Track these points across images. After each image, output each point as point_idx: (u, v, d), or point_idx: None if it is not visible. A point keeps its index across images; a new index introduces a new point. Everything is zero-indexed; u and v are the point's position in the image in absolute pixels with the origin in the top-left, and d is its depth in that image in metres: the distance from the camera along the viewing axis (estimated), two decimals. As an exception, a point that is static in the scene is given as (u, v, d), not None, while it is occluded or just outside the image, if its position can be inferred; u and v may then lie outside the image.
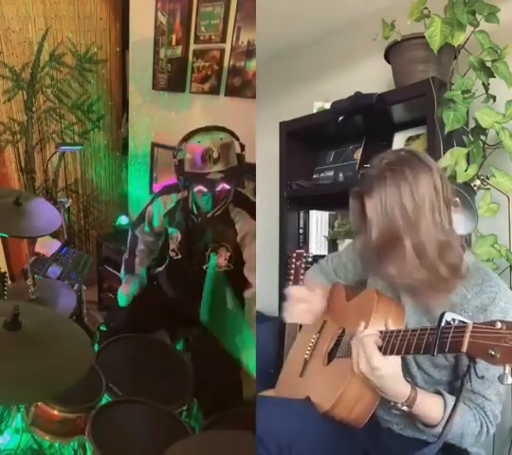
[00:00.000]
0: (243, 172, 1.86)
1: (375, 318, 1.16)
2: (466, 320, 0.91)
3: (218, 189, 1.73)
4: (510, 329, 0.83)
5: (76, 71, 3.03)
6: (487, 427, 1.12)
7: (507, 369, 0.82)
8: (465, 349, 0.87)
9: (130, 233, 2.15)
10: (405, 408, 1.07)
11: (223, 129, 1.78)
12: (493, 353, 0.83)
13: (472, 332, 0.88)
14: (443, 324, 0.92)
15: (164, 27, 2.60)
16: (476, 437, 1.12)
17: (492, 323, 0.86)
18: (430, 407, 1.08)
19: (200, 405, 1.73)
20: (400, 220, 1.10)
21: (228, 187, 1.74)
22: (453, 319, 0.92)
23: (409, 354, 1.03)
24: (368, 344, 1.06)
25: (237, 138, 1.79)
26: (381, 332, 1.09)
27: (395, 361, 1.05)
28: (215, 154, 1.70)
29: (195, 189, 1.74)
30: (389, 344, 1.05)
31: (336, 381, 1.19)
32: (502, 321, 0.85)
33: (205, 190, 1.73)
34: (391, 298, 1.26)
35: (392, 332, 1.07)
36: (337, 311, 1.45)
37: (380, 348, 1.06)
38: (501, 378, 0.83)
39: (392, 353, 1.04)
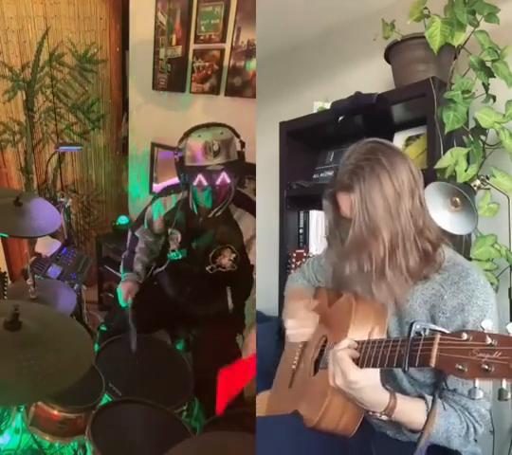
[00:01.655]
0: (243, 168, 1.86)
1: (354, 326, 1.13)
2: (437, 328, 0.87)
3: (218, 182, 1.72)
4: (476, 340, 0.78)
5: (76, 71, 3.03)
6: (474, 427, 1.08)
7: (477, 383, 0.77)
8: (433, 363, 0.83)
9: (129, 235, 2.15)
10: (384, 417, 1.04)
11: (223, 125, 1.79)
12: (461, 367, 0.78)
13: (440, 344, 0.83)
14: (413, 335, 0.88)
15: (164, 27, 2.61)
16: (464, 438, 1.08)
17: (458, 334, 0.81)
18: (412, 413, 1.05)
19: (200, 405, 1.73)
20: (382, 211, 1.07)
21: (228, 180, 1.73)
22: (424, 329, 0.89)
23: (383, 367, 0.99)
24: (342, 358, 1.02)
25: (237, 135, 1.80)
26: (358, 342, 1.05)
27: (373, 372, 1.02)
28: (216, 147, 1.71)
29: (195, 182, 1.73)
30: (365, 355, 1.01)
31: (321, 393, 1.16)
32: (467, 332, 0.80)
33: (205, 183, 1.72)
34: (370, 302, 1.19)
35: (368, 342, 1.04)
36: (320, 317, 1.40)
37: (357, 360, 1.02)
38: (471, 393, 0.77)
39: (368, 365, 1.00)
